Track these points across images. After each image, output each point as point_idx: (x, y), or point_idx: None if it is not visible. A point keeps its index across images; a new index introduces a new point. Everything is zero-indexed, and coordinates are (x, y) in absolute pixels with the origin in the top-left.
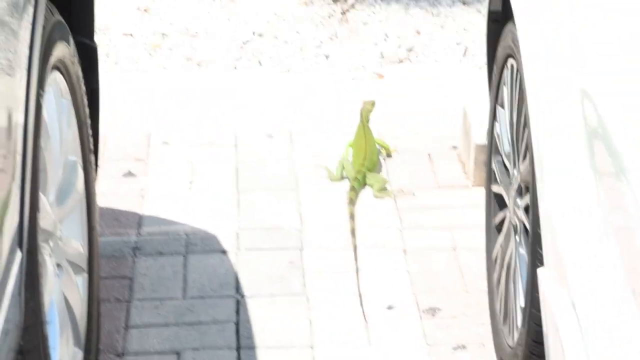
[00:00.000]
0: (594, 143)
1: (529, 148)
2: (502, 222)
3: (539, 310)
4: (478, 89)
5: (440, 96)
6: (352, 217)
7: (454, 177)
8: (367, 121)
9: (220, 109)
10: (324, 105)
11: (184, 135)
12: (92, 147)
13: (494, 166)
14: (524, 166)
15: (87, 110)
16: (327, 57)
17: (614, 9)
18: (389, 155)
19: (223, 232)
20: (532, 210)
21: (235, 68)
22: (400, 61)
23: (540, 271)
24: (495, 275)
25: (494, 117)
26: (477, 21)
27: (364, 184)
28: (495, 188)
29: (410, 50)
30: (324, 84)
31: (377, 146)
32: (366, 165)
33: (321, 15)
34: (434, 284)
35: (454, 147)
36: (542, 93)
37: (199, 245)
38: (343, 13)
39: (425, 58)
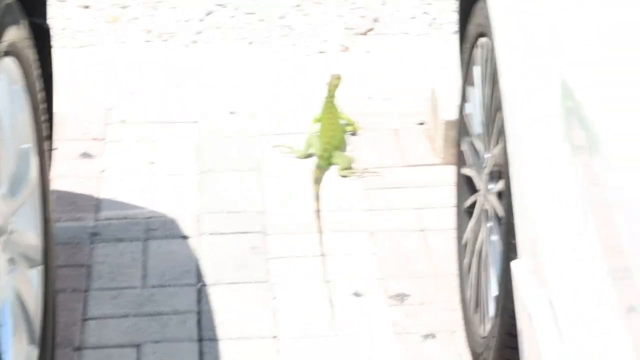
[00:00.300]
0: (573, 128)
1: (502, 132)
2: (473, 205)
3: (512, 303)
4: (446, 62)
5: (407, 69)
6: (317, 197)
7: (422, 154)
8: (333, 96)
9: (181, 84)
10: (288, 80)
11: (143, 112)
12: (46, 133)
13: (464, 147)
14: (496, 150)
15: (41, 94)
16: (291, 28)
17: None
18: (354, 132)
19: (184, 215)
20: (505, 198)
21: (196, 42)
22: (366, 33)
23: (514, 264)
24: (466, 261)
25: (464, 96)
26: None
27: (330, 162)
28: (466, 170)
29: (375, 20)
30: (288, 58)
31: (344, 123)
32: (333, 143)
33: None
34: (402, 268)
35: (422, 123)
36: (516, 75)
37: (159, 230)
38: None
39: (392, 29)
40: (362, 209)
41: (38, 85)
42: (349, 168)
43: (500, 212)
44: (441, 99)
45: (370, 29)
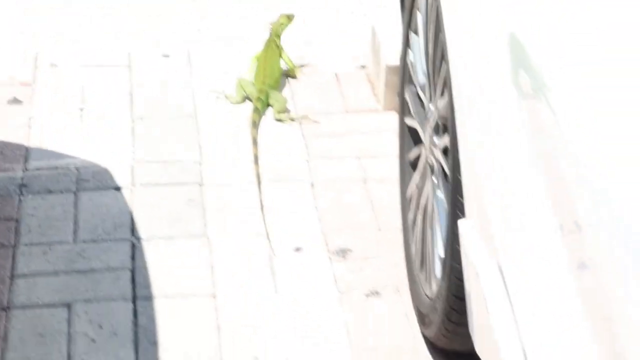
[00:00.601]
0: (521, 80)
1: (447, 84)
2: (417, 158)
3: (460, 264)
4: (386, 4)
5: (346, 12)
6: (255, 142)
7: (364, 100)
8: (278, 36)
9: (113, 24)
10: (224, 20)
11: (74, 54)
12: None
13: (407, 97)
14: (441, 103)
15: None
16: None
17: None
18: (294, 76)
19: (117, 165)
20: (451, 154)
21: None
22: None
23: (461, 223)
24: (410, 216)
25: (406, 43)
26: None
27: (267, 104)
28: (409, 121)
29: None
30: None
31: (283, 65)
32: (269, 82)
33: None
34: (344, 221)
35: (363, 67)
36: (462, 24)
37: (91, 181)
38: None
39: None
40: (302, 158)
41: None
42: (285, 111)
43: (446, 168)
44: (382, 44)
45: None
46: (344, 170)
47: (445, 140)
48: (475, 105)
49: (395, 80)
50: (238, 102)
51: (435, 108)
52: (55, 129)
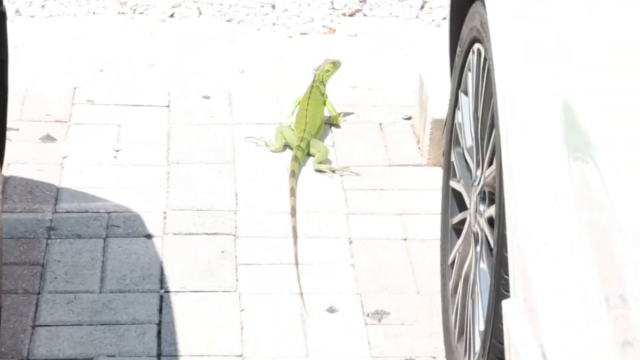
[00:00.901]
0: (577, 156)
1: (495, 152)
2: (461, 223)
3: (502, 343)
4: (436, 51)
5: (395, 57)
6: (292, 193)
7: (408, 153)
8: (323, 83)
9: (154, 63)
10: (268, 63)
11: (112, 92)
12: None
13: (453, 158)
14: (489, 172)
15: None
16: (273, 6)
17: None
18: (336, 124)
19: (149, 211)
20: (497, 227)
21: (173, 16)
22: (353, 14)
23: (505, 304)
24: (451, 284)
25: (455, 103)
26: None
27: (307, 153)
28: (454, 184)
29: (363, 1)
30: (269, 38)
31: (326, 112)
32: (308, 130)
33: None
34: (381, 282)
35: (408, 118)
36: (515, 94)
37: (122, 227)
38: None
39: (380, 11)
40: (341, 213)
41: None
42: (325, 161)
43: (491, 239)
44: (430, 95)
45: (358, 10)
46: (384, 228)
47: (491, 211)
48: (524, 179)
49: (441, 134)
50: (278, 150)
51: (482, 175)
52: (88, 170)
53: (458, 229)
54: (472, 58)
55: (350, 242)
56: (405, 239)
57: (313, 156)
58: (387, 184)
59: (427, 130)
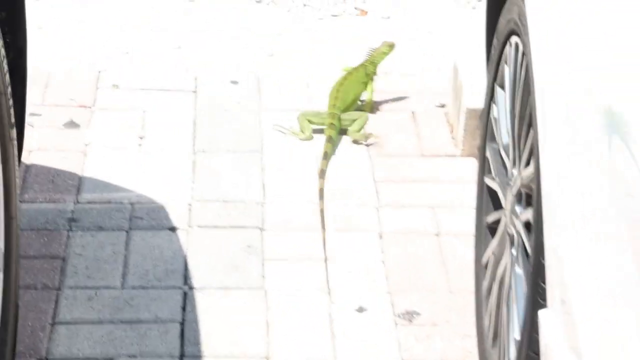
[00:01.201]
0: (621, 159)
1: (533, 153)
2: (496, 222)
3: (538, 354)
4: (471, 36)
5: (428, 42)
6: (322, 174)
7: (441, 142)
8: (374, 64)
9: (181, 45)
10: (297, 46)
11: (138, 76)
12: (12, 119)
13: (488, 154)
14: (526, 173)
15: (5, 76)
16: None
17: None
18: (368, 110)
19: (174, 203)
20: (534, 233)
21: None
22: None
23: (542, 314)
24: (485, 284)
25: (491, 96)
26: None
27: (339, 129)
28: (489, 181)
29: None
30: (298, 21)
31: (362, 98)
32: (338, 106)
33: None
34: (413, 279)
35: (442, 106)
36: (555, 92)
37: (145, 219)
38: None
39: None
40: (371, 206)
41: (3, 65)
42: (361, 130)
43: (528, 245)
44: (464, 84)
45: None
46: (415, 222)
47: (528, 214)
48: (564, 182)
49: (476, 124)
50: (308, 139)
51: (519, 175)
52: (112, 158)
53: (493, 228)
54: (509, 51)
55: (381, 237)
56: (437, 234)
57: (349, 129)
58: (420, 175)
59: (461, 120)
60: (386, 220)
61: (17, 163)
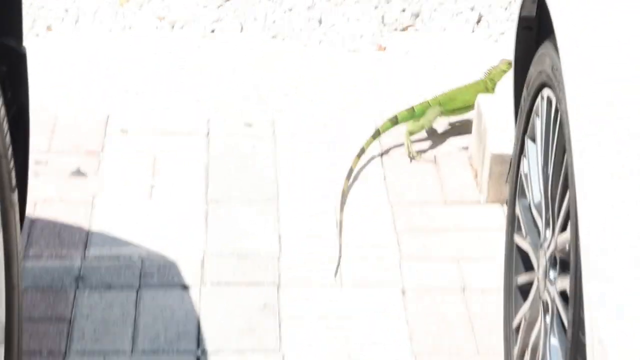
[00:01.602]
0: None
1: (570, 217)
2: (528, 284)
3: None
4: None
5: (449, 76)
6: (348, 175)
7: (464, 189)
8: (493, 81)
9: (193, 85)
10: (313, 85)
11: (148, 118)
12: (14, 182)
13: (518, 211)
14: (562, 238)
15: (6, 137)
16: (320, 21)
17: None
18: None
19: (186, 258)
20: (573, 309)
21: (213, 31)
22: (404, 29)
23: None
24: (516, 351)
25: (520, 150)
26: None
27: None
28: (520, 240)
29: (416, 15)
30: (316, 57)
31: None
32: (439, 99)
33: None
34: (438, 340)
35: (465, 149)
36: (595, 154)
37: (156, 277)
38: None
39: (434, 26)
40: (392, 259)
41: (3, 125)
42: (415, 132)
43: (564, 317)
44: (489, 129)
45: (410, 25)
46: (440, 276)
47: (564, 283)
48: (610, 252)
49: (502, 170)
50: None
51: (553, 238)
52: (121, 209)
53: (525, 290)
54: (541, 104)
55: (403, 293)
56: (463, 289)
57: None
58: (443, 223)
59: (485, 165)
60: (408, 274)
61: (19, 229)
